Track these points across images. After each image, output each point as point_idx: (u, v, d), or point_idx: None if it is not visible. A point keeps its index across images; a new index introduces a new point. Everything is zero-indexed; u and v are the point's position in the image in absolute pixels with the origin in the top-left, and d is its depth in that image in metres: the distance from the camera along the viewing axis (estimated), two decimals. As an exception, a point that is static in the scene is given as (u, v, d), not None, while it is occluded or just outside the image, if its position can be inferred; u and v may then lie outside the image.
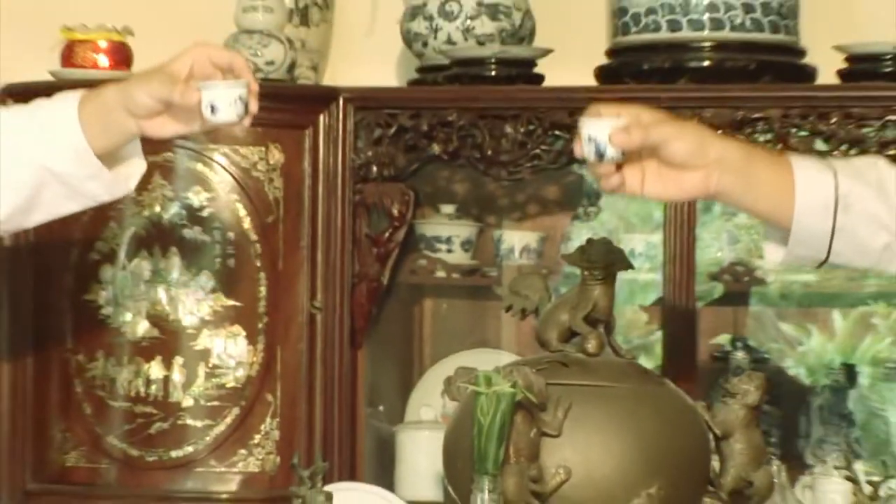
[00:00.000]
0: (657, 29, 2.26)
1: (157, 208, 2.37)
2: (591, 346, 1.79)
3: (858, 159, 2.00)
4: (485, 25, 2.40)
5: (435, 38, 2.39)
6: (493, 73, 2.29)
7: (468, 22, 2.38)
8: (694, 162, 1.51)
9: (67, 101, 1.62)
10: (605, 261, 1.84)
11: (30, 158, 1.62)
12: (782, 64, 2.28)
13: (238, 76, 1.56)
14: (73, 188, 1.62)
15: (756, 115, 2.20)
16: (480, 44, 2.38)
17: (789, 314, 2.82)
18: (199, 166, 2.33)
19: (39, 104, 1.69)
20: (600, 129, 1.47)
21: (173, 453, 2.26)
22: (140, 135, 1.62)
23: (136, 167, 1.65)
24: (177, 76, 1.56)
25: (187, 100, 1.53)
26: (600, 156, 1.48)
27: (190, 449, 2.26)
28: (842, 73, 2.24)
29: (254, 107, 1.57)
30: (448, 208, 2.55)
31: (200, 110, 1.54)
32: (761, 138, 2.24)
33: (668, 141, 1.48)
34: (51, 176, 1.60)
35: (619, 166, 1.50)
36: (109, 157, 1.60)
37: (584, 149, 1.48)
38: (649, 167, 1.51)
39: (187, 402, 2.26)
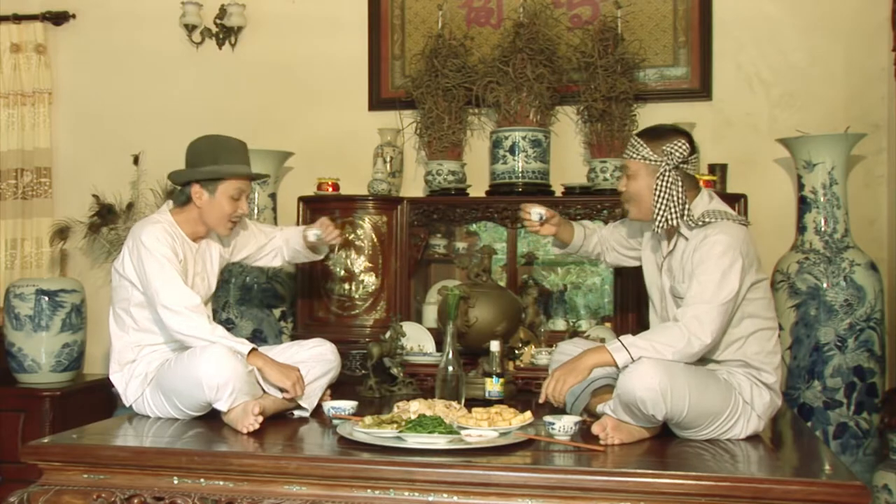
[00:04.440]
0: (507, 178, 4.38)
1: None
2: (481, 278, 3.72)
3: (589, 223, 3.54)
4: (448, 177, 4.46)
5: (434, 181, 4.54)
6: (453, 192, 4.41)
7: (444, 177, 4.47)
8: (555, 224, 3.38)
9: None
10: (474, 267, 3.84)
11: (290, 249, 3.61)
12: (544, 188, 4.42)
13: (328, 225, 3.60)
14: (305, 257, 3.71)
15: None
16: (448, 183, 4.42)
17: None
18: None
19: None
20: (539, 209, 3.33)
21: (353, 312, 4.38)
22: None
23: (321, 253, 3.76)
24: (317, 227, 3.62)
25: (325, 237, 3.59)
26: (539, 217, 3.33)
27: (357, 311, 4.38)
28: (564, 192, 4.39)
29: (327, 235, 3.57)
30: (438, 236, 4.57)
31: (308, 236, 3.56)
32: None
33: (552, 219, 3.35)
34: (293, 252, 3.65)
35: (541, 224, 3.33)
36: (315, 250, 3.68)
37: (530, 215, 3.33)
38: (545, 227, 3.36)
39: (358, 296, 4.41)
